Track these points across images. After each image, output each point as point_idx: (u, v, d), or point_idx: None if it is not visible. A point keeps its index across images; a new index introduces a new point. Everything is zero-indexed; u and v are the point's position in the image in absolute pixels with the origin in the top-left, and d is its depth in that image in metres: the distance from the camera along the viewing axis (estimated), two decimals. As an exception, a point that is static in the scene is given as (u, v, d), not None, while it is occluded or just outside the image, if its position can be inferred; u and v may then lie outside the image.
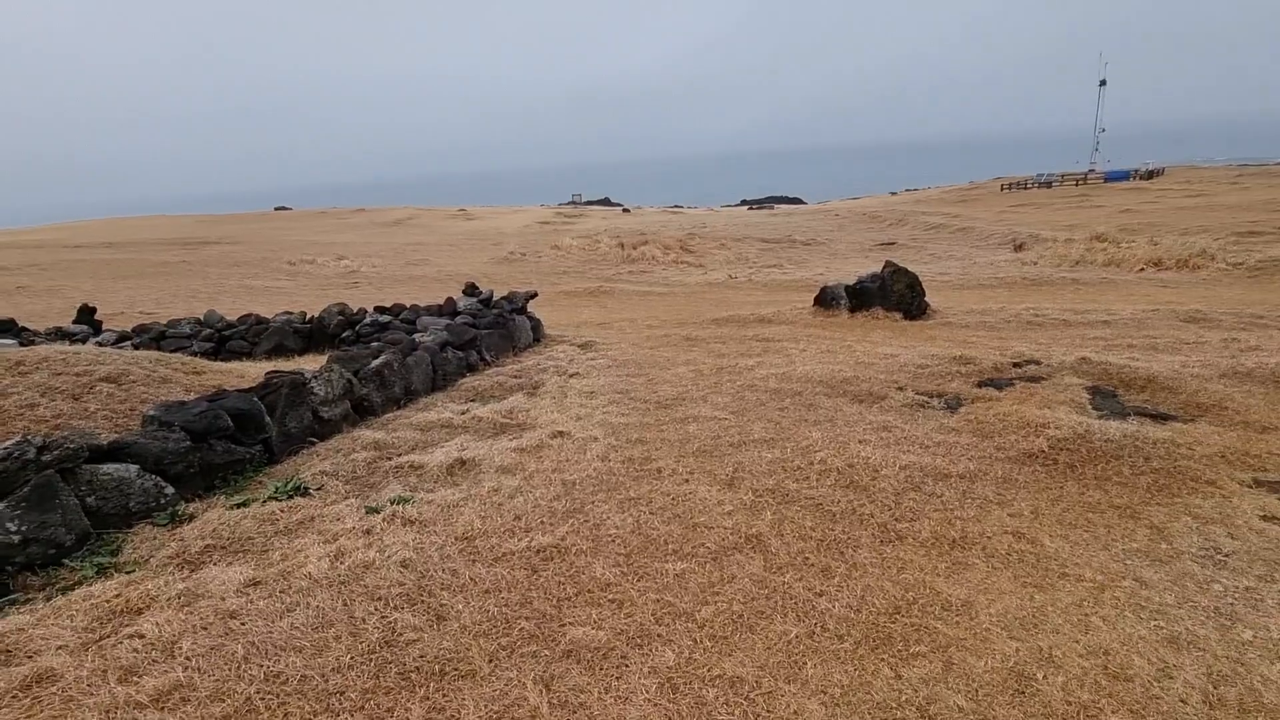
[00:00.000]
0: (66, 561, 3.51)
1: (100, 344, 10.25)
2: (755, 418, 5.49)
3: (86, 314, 10.75)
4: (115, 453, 4.12)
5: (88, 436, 3.98)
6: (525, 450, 4.80)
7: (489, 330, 8.91)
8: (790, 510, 3.82)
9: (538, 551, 3.37)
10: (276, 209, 61.52)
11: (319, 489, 4.34)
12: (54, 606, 3.02)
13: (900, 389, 6.17)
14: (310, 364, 9.32)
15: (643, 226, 39.02)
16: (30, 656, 2.66)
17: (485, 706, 2.37)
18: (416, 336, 7.95)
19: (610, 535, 3.54)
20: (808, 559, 3.32)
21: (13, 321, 10.30)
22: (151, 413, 4.56)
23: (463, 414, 5.94)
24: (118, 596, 3.07)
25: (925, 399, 5.91)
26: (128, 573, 3.38)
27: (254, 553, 3.51)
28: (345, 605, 2.92)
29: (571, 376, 7.30)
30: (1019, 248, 26.07)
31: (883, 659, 2.60)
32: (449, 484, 4.30)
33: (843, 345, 8.51)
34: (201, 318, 10.77)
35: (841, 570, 3.21)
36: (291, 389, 5.32)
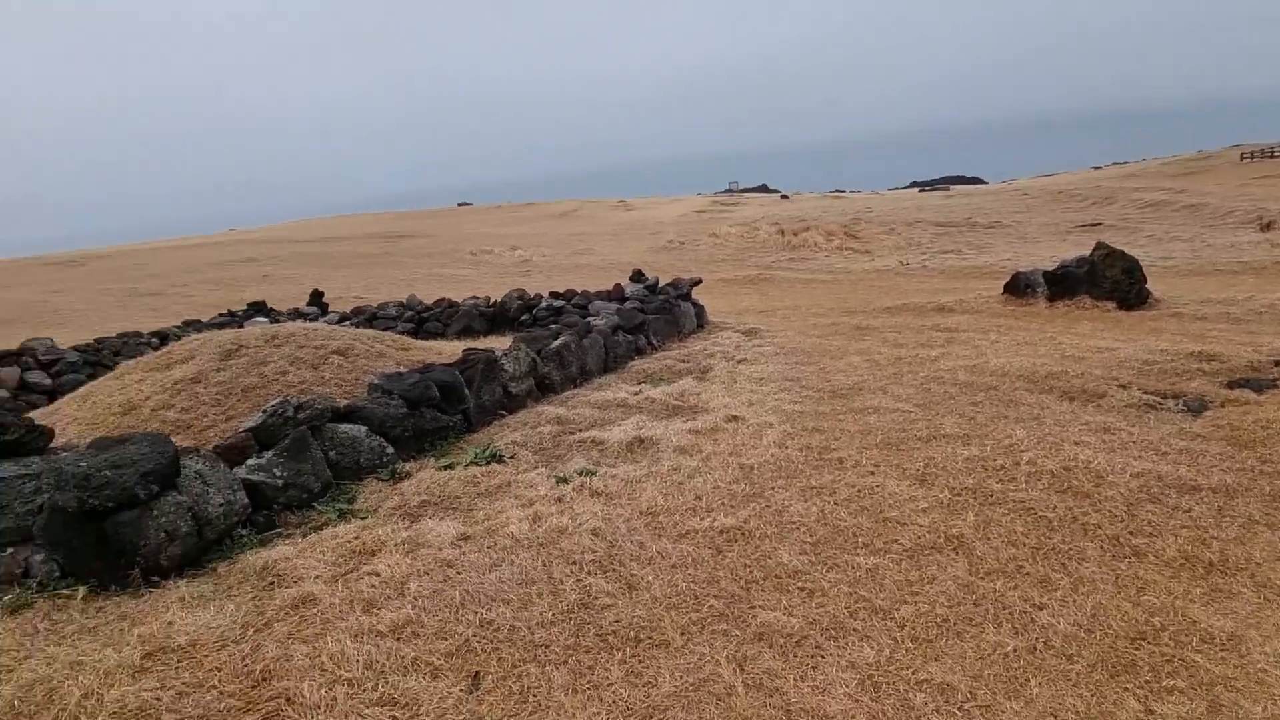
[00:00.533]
0: (315, 505, 4.10)
1: (328, 323, 11.94)
2: (945, 412, 5.08)
3: (316, 297, 12.50)
4: (349, 415, 4.74)
5: (329, 400, 4.61)
6: (700, 432, 4.83)
7: (656, 315, 9.08)
8: (995, 513, 3.47)
9: (721, 532, 3.37)
10: (459, 204, 67.37)
11: (512, 457, 4.68)
12: (309, 542, 3.53)
13: (1123, 387, 5.38)
14: (495, 344, 10.12)
15: (802, 213, 37.74)
16: (295, 582, 3.14)
17: (680, 677, 2.41)
18: (589, 320, 8.31)
19: (794, 522, 3.45)
20: (1021, 567, 2.99)
21: (263, 303, 12.29)
22: (375, 381, 5.18)
23: (636, 395, 6.10)
24: (356, 539, 3.53)
25: (1156, 399, 5.10)
26: (361, 519, 3.87)
27: (461, 510, 3.86)
28: (544, 566, 3.11)
29: (739, 363, 7.23)
30: (1267, 226, 21.69)
31: (1126, 688, 2.27)
32: (629, 460, 4.44)
33: (1043, 337, 7.61)
34: (404, 301, 12.09)
35: (1065, 584, 2.86)
36: (486, 365, 5.79)
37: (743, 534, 3.35)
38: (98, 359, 8.38)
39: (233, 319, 11.28)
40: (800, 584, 2.94)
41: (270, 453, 4.10)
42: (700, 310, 10.53)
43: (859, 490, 3.79)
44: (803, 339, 8.62)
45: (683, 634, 2.62)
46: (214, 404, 5.86)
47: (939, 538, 3.24)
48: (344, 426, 4.56)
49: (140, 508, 3.26)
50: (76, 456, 3.32)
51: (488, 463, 4.57)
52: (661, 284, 10.84)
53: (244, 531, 3.74)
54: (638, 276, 11.26)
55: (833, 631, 2.61)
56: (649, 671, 2.44)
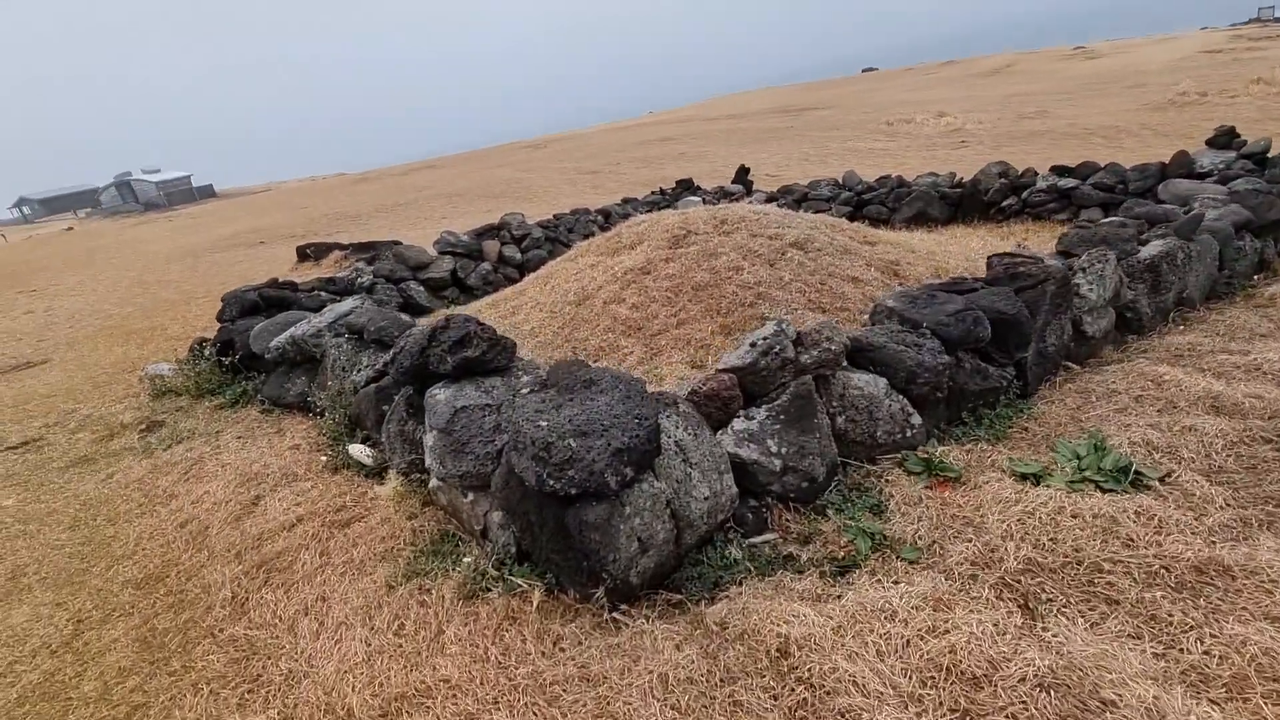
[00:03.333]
0: (825, 507, 2.60)
1: (754, 203, 10.78)
2: None
3: (742, 174, 11.37)
4: (855, 356, 3.08)
5: (837, 333, 2.98)
6: None
7: (1292, 205, 5.28)
8: None
9: None
10: (864, 70, 60.89)
11: (1165, 479, 2.46)
12: (845, 612, 2.00)
13: None
14: (963, 239, 7.56)
15: None
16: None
17: None
18: (1167, 208, 5.08)
19: None
20: None
21: (690, 180, 11.69)
22: (889, 303, 3.38)
23: (1375, 368, 3.11)
24: (934, 638, 1.87)
25: None
26: (911, 562, 2.21)
27: (1140, 620, 1.88)
28: None
29: None
30: None
31: None
32: None
33: None
34: (839, 180, 10.11)
35: None
36: (1059, 287, 3.49)
37: None
38: (555, 235, 8.58)
39: (664, 197, 10.88)
40: None
41: (762, 411, 2.68)
42: (1362, 197, 6.06)
43: None
44: None
45: None
46: (664, 302, 4.91)
47: None
48: (859, 378, 2.91)
49: (609, 502, 2.11)
50: (537, 405, 2.29)
51: (1118, 483, 2.44)
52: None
53: (729, 535, 2.45)
54: (1226, 138, 7.03)
55: None
56: None
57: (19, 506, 3.70)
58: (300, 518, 3.01)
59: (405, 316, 4.04)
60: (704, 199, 10.23)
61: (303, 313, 5.06)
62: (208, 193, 58.59)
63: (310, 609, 2.42)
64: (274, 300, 5.33)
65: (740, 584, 2.24)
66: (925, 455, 2.82)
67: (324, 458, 3.62)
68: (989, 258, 4.21)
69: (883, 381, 2.94)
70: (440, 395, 2.73)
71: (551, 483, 2.06)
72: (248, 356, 4.90)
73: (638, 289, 5.10)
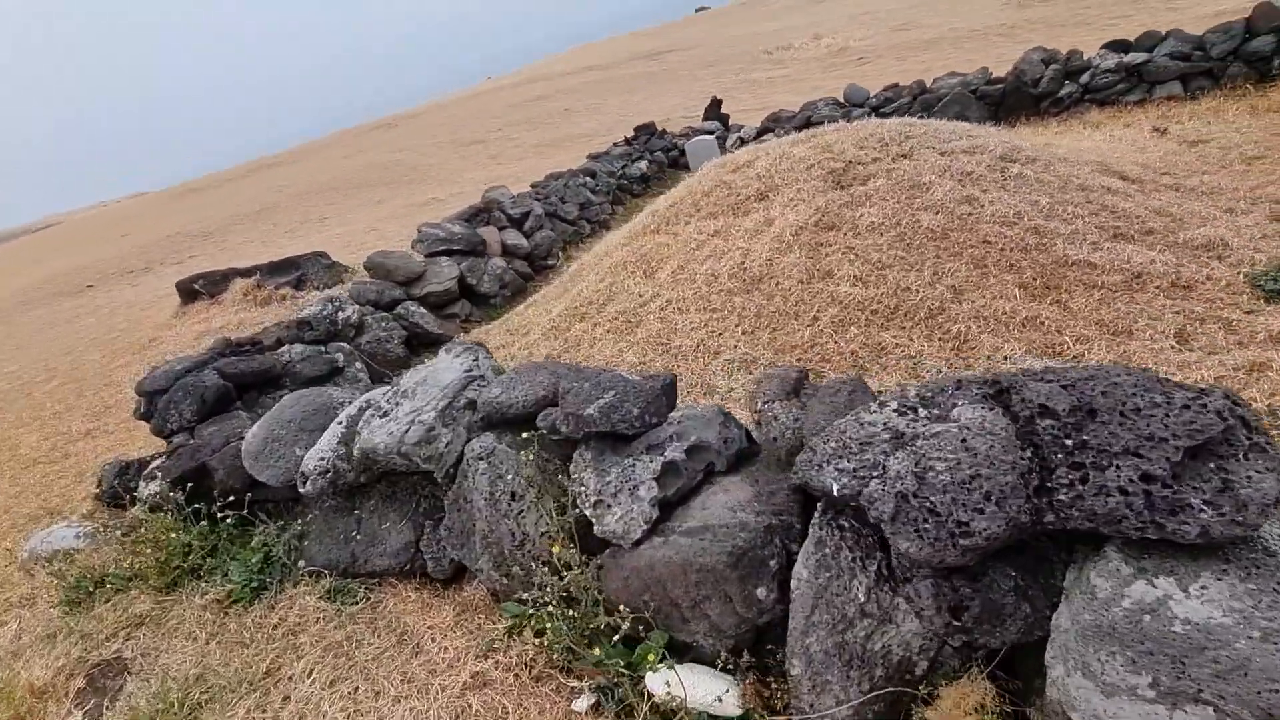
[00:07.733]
0: None
1: (743, 140, 9.20)
2: None
3: (715, 108, 9.73)
4: None
5: None
6: None
7: None
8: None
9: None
10: (698, 10, 60.06)
11: None
12: None
13: None
14: (1054, 137, 6.34)
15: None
16: None
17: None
18: None
19: None
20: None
21: (653, 124, 9.83)
22: None
23: None
24: None
25: None
26: None
27: None
28: None
29: None
30: None
31: None
32: None
33: None
34: (841, 98, 8.74)
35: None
36: None
37: None
38: (551, 209, 6.53)
39: (631, 147, 8.99)
40: None
41: None
42: None
43: None
44: None
45: None
46: (902, 265, 3.26)
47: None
48: None
49: None
50: None
51: None
52: None
53: None
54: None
55: None
56: None
57: None
58: None
59: (634, 377, 2.10)
60: (717, 138, 8.48)
61: (320, 390, 2.89)
62: (-32, 239, 47.68)
63: None
64: (253, 379, 3.08)
65: None
66: None
67: (587, 697, 1.71)
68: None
69: None
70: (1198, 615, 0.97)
71: None
72: (243, 488, 2.70)
73: (842, 251, 3.41)
